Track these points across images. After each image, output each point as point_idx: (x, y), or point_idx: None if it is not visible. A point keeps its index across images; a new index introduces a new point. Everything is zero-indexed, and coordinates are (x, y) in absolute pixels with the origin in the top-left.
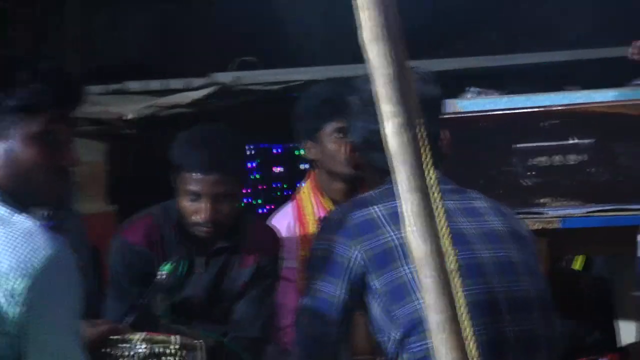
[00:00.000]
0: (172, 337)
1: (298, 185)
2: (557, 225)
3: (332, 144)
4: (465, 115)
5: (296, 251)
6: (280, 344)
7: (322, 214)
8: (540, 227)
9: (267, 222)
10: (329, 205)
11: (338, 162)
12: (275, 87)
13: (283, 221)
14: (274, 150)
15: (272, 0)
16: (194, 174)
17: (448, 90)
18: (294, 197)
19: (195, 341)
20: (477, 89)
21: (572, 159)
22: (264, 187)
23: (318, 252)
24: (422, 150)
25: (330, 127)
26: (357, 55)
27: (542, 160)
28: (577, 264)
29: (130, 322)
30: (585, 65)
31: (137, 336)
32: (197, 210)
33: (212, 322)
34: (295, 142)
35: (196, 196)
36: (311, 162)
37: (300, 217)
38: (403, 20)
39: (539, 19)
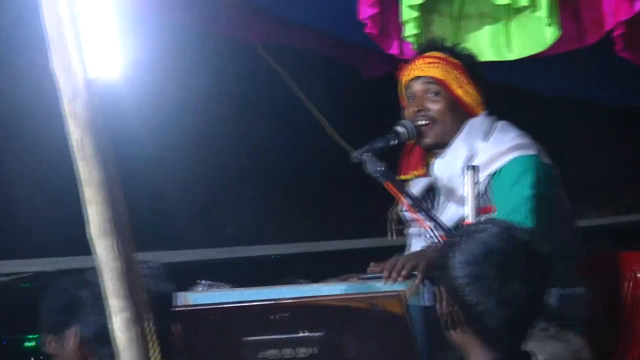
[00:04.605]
0: None
1: None
2: None
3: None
4: (195, 308)
5: None
6: None
7: None
8: None
9: None
10: None
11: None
12: (7, 278)
13: None
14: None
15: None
16: None
17: (179, 282)
18: None
19: None
20: (209, 281)
21: (302, 352)
22: None
23: None
24: (150, 346)
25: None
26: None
27: (273, 353)
28: None
29: None
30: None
31: None
32: None
33: None
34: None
35: None
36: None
37: None
38: (131, 214)
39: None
